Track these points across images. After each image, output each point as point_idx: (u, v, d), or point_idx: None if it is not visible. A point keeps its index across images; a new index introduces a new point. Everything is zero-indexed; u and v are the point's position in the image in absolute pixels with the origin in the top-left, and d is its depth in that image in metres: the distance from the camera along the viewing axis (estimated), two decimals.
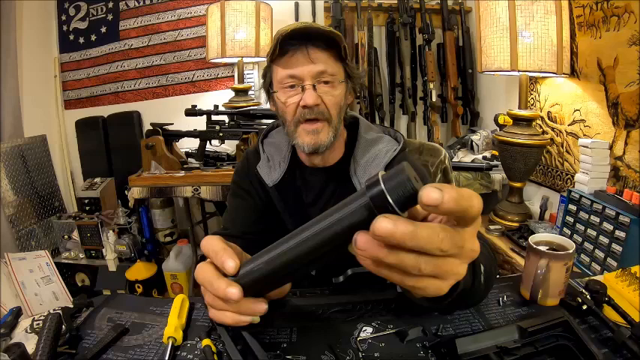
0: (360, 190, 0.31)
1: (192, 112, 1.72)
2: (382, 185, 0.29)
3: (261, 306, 0.42)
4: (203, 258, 0.45)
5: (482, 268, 0.48)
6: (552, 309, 0.62)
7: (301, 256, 0.35)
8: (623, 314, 0.58)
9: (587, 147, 1.21)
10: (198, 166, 1.72)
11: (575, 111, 1.40)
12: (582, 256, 1.18)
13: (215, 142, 1.73)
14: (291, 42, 0.68)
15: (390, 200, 0.28)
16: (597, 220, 1.14)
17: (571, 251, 0.63)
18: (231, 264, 0.40)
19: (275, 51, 0.69)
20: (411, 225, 0.27)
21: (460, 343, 0.50)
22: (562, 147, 1.48)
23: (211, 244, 0.42)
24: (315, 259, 0.34)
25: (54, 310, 0.62)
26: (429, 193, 0.26)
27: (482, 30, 1.41)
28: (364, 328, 0.59)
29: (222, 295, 0.40)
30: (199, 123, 1.77)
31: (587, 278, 0.70)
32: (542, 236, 0.68)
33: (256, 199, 0.83)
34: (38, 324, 0.63)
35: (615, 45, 1.19)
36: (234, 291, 0.39)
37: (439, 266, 0.29)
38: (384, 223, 0.27)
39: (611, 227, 1.08)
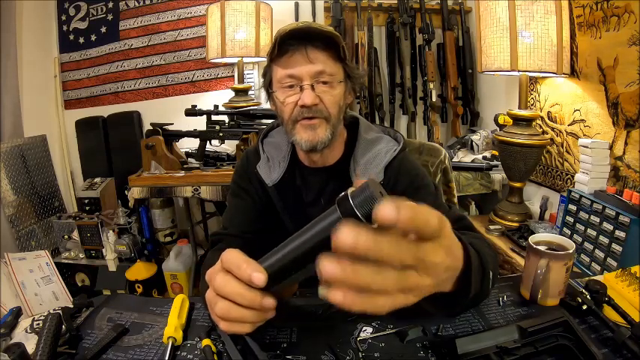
0: (332, 207, 0.34)
1: (192, 112, 1.72)
2: (350, 201, 0.32)
3: (271, 309, 0.42)
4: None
5: (490, 274, 0.48)
6: (552, 309, 0.63)
7: (284, 269, 0.39)
8: (623, 314, 0.58)
9: (587, 147, 1.21)
10: (198, 166, 1.72)
11: (575, 111, 1.40)
12: (582, 256, 1.18)
13: (215, 142, 1.73)
14: (291, 42, 0.69)
15: (359, 214, 0.31)
16: (597, 220, 1.13)
17: (571, 251, 0.63)
18: (260, 276, 0.39)
19: (274, 51, 0.70)
20: (374, 232, 0.26)
21: (460, 343, 0.50)
22: (562, 147, 1.48)
23: (233, 256, 0.41)
24: (297, 269, 0.39)
25: (54, 310, 0.62)
26: (384, 210, 0.26)
27: (483, 30, 1.41)
28: (364, 328, 0.59)
29: (257, 306, 0.40)
30: (199, 123, 1.77)
31: (587, 278, 0.70)
32: (542, 236, 0.68)
33: (256, 198, 0.83)
34: (38, 324, 0.63)
35: (615, 45, 1.19)
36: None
37: (401, 280, 0.28)
38: (345, 231, 0.26)
39: (611, 227, 1.08)
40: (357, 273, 0.27)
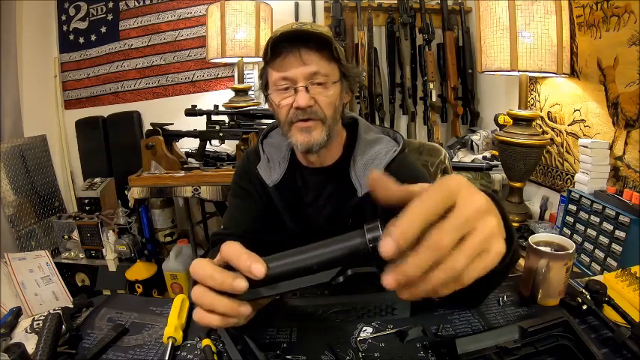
0: (358, 231, 0.36)
1: (192, 112, 1.72)
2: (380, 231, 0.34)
3: (246, 308, 0.41)
4: (203, 258, 0.45)
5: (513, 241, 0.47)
6: (552, 309, 0.63)
7: (286, 274, 0.39)
8: (623, 314, 0.58)
9: (587, 147, 1.21)
10: (198, 166, 1.72)
11: (575, 111, 1.40)
12: (582, 256, 1.18)
13: (215, 142, 1.73)
14: (284, 44, 0.69)
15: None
16: (597, 220, 1.13)
17: (571, 251, 0.63)
18: (259, 267, 0.38)
19: (267, 54, 0.70)
20: (408, 262, 0.29)
21: (460, 343, 0.50)
22: (562, 147, 1.48)
23: (234, 248, 0.41)
24: (298, 276, 0.39)
25: (54, 310, 0.62)
26: (384, 247, 0.28)
27: (483, 30, 1.41)
28: (364, 328, 0.59)
29: (228, 287, 0.39)
30: (199, 123, 1.77)
31: (587, 278, 0.70)
32: (542, 236, 0.68)
33: (256, 198, 0.83)
34: (38, 324, 0.63)
35: (615, 45, 1.19)
36: (243, 282, 0.39)
37: (467, 248, 0.29)
38: (389, 278, 0.29)
39: (611, 227, 1.08)
40: (429, 280, 0.29)
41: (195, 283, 0.43)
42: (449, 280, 0.29)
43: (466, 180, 0.32)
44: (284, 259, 0.39)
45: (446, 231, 0.29)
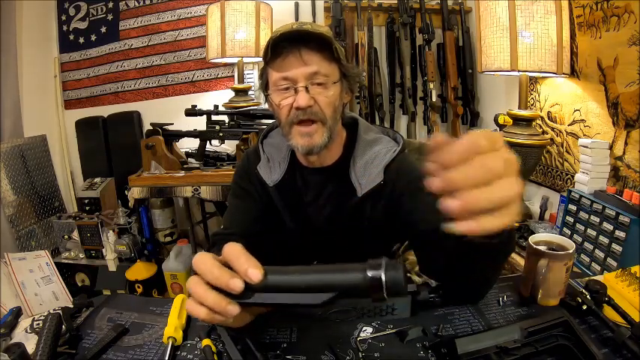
0: (364, 264, 0.38)
1: (192, 112, 1.72)
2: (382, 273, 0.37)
3: (234, 308, 0.41)
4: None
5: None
6: (552, 309, 0.63)
7: (282, 286, 0.40)
8: (623, 314, 0.58)
9: (587, 147, 1.21)
10: (198, 166, 1.72)
11: (575, 111, 1.40)
12: (582, 256, 1.18)
13: (215, 142, 1.73)
14: (284, 44, 0.69)
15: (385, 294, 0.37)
16: (597, 220, 1.13)
17: (571, 251, 0.63)
18: (256, 272, 0.39)
19: (267, 54, 0.70)
20: (458, 170, 0.34)
21: (460, 343, 0.50)
22: (562, 147, 1.48)
23: (235, 249, 0.42)
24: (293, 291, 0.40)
25: (54, 310, 0.62)
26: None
27: (483, 30, 1.41)
28: (364, 328, 0.59)
29: (223, 283, 0.40)
30: (199, 123, 1.77)
31: (587, 278, 0.70)
32: (542, 236, 0.68)
33: (257, 198, 0.83)
34: (38, 324, 0.63)
35: (615, 45, 1.19)
36: (239, 283, 0.40)
37: (503, 185, 0.34)
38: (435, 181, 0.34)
39: (611, 227, 1.08)
40: (470, 196, 0.33)
41: (194, 274, 0.43)
42: (484, 206, 0.33)
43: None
44: (284, 273, 0.40)
45: (493, 156, 0.33)
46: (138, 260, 1.99)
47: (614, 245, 1.07)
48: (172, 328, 0.57)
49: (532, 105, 1.62)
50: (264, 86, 0.77)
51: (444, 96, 2.07)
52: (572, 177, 1.41)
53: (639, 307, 0.61)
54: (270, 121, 1.01)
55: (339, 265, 0.39)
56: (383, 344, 0.56)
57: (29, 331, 0.63)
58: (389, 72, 2.07)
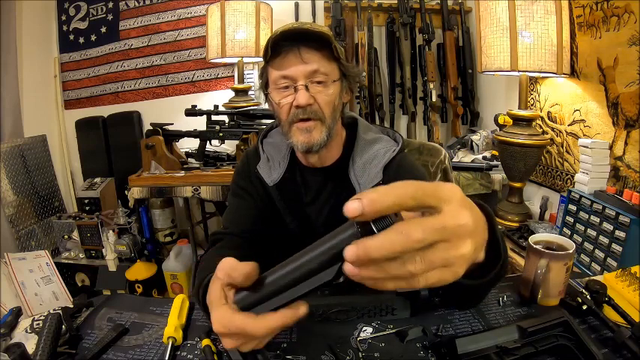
0: (350, 222, 0.34)
1: (192, 112, 1.72)
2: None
3: (303, 307, 0.39)
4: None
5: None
6: (552, 309, 0.63)
7: (298, 279, 0.38)
8: (623, 314, 0.58)
9: (587, 147, 1.21)
10: (198, 166, 1.72)
11: (575, 111, 1.40)
12: (582, 256, 1.18)
13: (215, 142, 1.73)
14: (284, 43, 0.69)
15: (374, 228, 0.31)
16: (597, 220, 1.13)
17: (571, 251, 0.63)
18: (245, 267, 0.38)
19: (268, 52, 0.70)
20: (376, 237, 0.27)
21: (460, 343, 0.50)
22: (562, 147, 1.48)
23: (225, 266, 0.39)
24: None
25: (54, 310, 0.62)
26: (349, 205, 0.27)
27: (482, 30, 1.41)
28: (364, 328, 0.59)
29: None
30: (199, 123, 1.77)
31: (587, 278, 0.70)
32: (542, 236, 0.68)
33: (256, 198, 0.83)
34: (38, 324, 0.63)
35: (615, 45, 1.19)
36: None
37: (430, 257, 0.28)
38: (349, 249, 0.28)
39: (611, 227, 1.08)
40: (383, 267, 0.28)
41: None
42: (400, 277, 0.29)
43: (462, 194, 0.31)
44: (283, 267, 0.39)
45: (420, 226, 0.27)
46: (138, 260, 1.99)
47: (614, 245, 1.07)
48: (172, 328, 0.57)
49: (532, 105, 1.62)
50: (264, 85, 0.77)
51: (444, 96, 2.07)
52: (572, 177, 1.41)
53: (639, 307, 0.61)
54: (270, 121, 1.01)
55: (330, 234, 0.37)
56: (383, 344, 0.56)
57: (29, 331, 0.63)
58: (389, 72, 2.08)
